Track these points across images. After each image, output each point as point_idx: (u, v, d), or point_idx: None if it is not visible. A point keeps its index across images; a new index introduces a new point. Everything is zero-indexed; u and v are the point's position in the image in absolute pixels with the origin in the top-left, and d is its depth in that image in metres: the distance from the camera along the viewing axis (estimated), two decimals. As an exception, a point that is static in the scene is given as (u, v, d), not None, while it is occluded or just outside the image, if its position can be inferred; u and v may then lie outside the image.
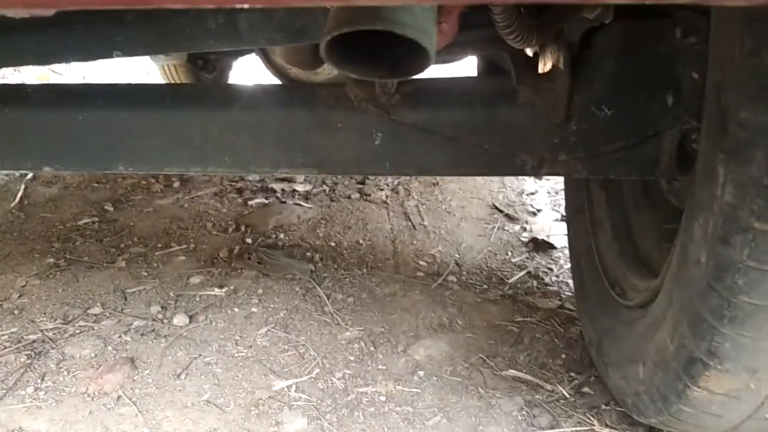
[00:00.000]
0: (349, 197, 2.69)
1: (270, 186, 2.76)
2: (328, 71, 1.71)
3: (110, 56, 1.21)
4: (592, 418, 1.41)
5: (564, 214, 2.25)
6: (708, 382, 1.04)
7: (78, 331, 1.72)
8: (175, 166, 1.42)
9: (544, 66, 1.53)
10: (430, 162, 1.42)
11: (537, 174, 1.42)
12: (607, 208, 1.64)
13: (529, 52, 1.70)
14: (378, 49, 0.78)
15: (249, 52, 2.83)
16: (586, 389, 1.51)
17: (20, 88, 1.48)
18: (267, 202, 2.60)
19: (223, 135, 1.40)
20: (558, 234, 2.27)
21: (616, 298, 1.45)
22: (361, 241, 2.29)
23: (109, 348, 1.65)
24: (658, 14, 1.29)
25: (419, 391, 1.52)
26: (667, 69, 1.26)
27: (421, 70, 0.72)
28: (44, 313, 1.80)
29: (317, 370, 1.58)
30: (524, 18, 1.12)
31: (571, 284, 1.88)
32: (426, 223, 2.45)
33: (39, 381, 1.54)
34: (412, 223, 2.45)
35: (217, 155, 1.41)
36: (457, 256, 2.19)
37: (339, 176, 2.85)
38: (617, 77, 1.32)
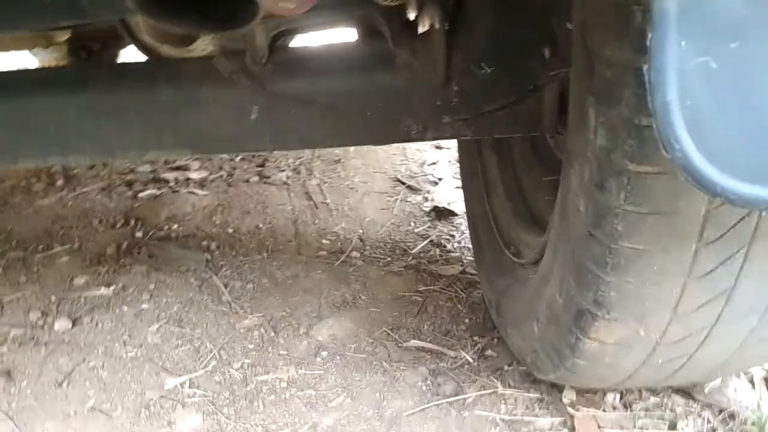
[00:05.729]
0: (247, 181, 2.58)
1: (162, 176, 2.61)
2: (202, 47, 1.60)
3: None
4: (495, 381, 1.40)
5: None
6: (598, 332, 1.03)
7: (-53, 349, 1.57)
8: (31, 158, 1.31)
9: (424, 27, 1.49)
10: (312, 134, 1.36)
11: (423, 139, 1.38)
12: (499, 169, 1.62)
13: (412, 15, 1.65)
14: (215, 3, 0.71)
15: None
16: (489, 352, 1.49)
17: None
18: (159, 192, 2.47)
19: (81, 121, 1.29)
20: (459, 201, 2.25)
21: (511, 258, 1.43)
22: (260, 225, 2.21)
23: (-18, 363, 1.52)
24: (530, -34, 1.26)
25: (322, 372, 1.47)
26: (542, 22, 1.24)
27: (251, 18, 0.65)
28: None
29: (213, 363, 1.50)
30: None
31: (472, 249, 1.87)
32: (328, 201, 2.38)
33: None
34: (314, 202, 2.38)
35: (77, 143, 1.30)
36: (361, 231, 2.14)
37: (221, 156, 2.72)
38: (494, 34, 1.29)
